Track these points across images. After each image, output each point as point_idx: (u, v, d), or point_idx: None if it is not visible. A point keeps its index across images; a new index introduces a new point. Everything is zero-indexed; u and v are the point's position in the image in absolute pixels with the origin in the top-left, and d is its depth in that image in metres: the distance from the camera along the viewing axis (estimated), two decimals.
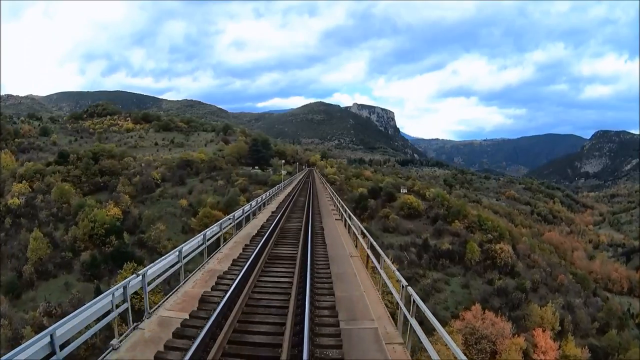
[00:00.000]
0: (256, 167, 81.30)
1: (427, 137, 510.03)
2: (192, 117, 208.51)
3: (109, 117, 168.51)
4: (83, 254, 40.93)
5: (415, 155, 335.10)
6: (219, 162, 78.23)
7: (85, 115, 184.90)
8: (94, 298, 5.44)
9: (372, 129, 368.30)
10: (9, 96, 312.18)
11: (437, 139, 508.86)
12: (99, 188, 71.80)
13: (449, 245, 48.66)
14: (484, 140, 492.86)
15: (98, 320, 5.46)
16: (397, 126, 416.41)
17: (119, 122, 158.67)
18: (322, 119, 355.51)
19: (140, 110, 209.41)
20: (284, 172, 66.20)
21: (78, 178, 73.45)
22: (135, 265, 37.03)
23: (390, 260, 8.69)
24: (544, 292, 53.62)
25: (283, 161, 69.60)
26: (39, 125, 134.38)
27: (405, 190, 64.49)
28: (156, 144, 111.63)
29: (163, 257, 7.69)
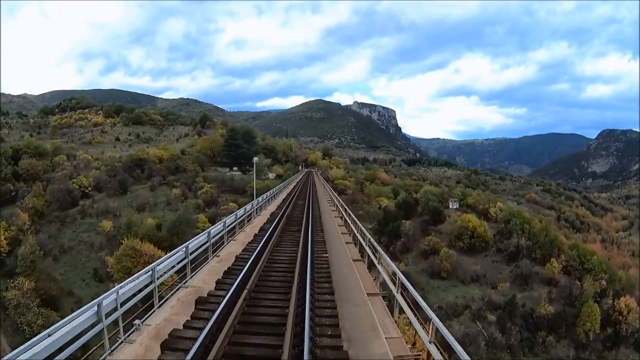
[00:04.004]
0: (235, 168, 59.88)
1: (427, 136, 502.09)
2: (187, 115, 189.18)
3: (79, 111, 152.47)
4: None
5: (417, 154, 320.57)
6: (184, 162, 56.66)
7: (56, 110, 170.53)
8: None
9: (373, 127, 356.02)
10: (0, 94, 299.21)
11: (437, 139, 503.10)
12: (8, 199, 50.55)
13: (551, 308, 27.57)
14: (486, 139, 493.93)
15: None
16: (399, 125, 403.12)
17: (88, 116, 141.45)
18: (322, 117, 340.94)
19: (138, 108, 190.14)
20: (272, 176, 45.28)
21: None
22: None
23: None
24: None
25: (270, 159, 48.46)
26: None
27: (456, 205, 42.59)
28: (117, 139, 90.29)
29: None
